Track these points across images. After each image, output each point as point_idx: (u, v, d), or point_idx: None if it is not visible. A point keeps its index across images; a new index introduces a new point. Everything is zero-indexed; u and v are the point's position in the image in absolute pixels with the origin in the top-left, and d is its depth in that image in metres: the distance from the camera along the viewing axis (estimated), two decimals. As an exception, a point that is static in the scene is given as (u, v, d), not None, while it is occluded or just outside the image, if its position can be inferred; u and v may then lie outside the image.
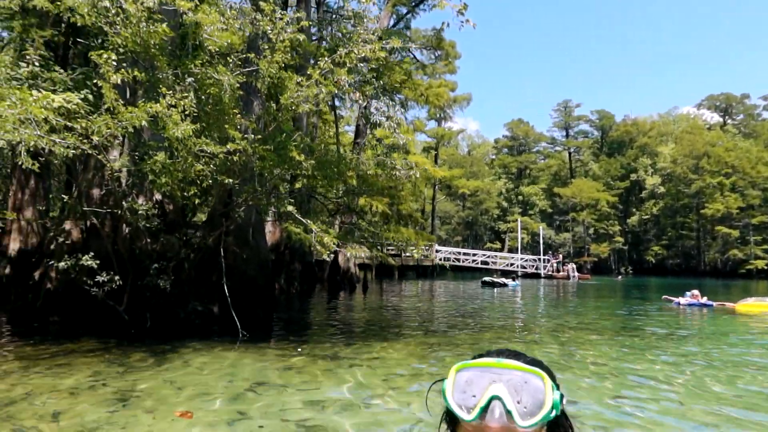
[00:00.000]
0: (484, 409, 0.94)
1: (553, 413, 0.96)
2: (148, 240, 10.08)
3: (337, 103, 29.07)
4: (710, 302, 17.90)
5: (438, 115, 46.09)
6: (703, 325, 13.10)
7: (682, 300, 18.25)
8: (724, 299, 19.52)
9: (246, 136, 8.14)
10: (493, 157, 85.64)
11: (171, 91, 7.02)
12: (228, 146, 7.46)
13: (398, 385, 6.11)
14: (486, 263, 46.26)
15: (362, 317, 14.05)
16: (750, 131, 73.21)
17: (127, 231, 9.86)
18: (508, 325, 12.37)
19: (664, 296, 20.36)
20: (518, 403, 0.95)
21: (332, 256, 25.39)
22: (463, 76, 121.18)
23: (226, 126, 8.00)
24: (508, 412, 0.93)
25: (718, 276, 58.37)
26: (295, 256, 22.75)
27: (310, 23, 12.28)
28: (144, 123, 6.81)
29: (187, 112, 7.20)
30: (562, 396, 1.00)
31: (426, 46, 30.12)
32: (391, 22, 24.27)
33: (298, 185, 17.87)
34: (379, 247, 24.10)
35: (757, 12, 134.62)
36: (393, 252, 33.23)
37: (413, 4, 25.45)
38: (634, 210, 73.45)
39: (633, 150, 74.64)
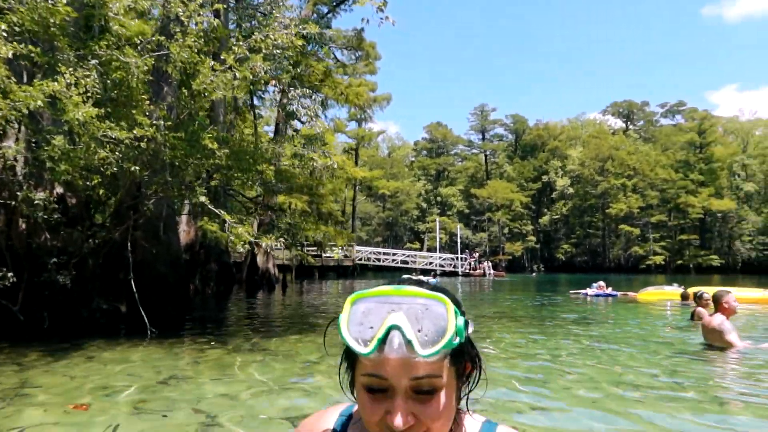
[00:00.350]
0: (383, 341, 0.87)
1: (457, 340, 0.90)
2: (48, 235, 9.40)
3: (256, 102, 28.57)
4: (615, 292, 19.15)
5: (359, 116, 46.24)
6: (607, 312, 13.90)
7: (589, 291, 19.35)
8: (626, 290, 20.94)
9: (155, 122, 7.76)
10: (413, 159, 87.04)
11: (71, 69, 6.55)
12: (135, 131, 7.07)
13: (314, 370, 6.03)
14: (406, 262, 46.88)
15: (280, 313, 13.80)
16: (649, 136, 78.71)
17: (23, 225, 9.15)
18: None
19: (571, 291, 21.45)
20: (419, 331, 0.88)
21: (250, 256, 24.86)
22: (384, 80, 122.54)
23: (134, 112, 7.59)
24: (408, 342, 0.87)
25: (621, 271, 62.29)
26: (210, 256, 21.99)
27: (227, 8, 11.93)
28: (40, 104, 6.31)
29: (89, 94, 6.75)
30: (467, 322, 0.94)
31: (347, 46, 30.11)
32: (313, 18, 24.06)
33: (214, 183, 17.34)
34: (299, 247, 23.82)
35: (656, 25, 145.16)
36: (313, 252, 32.94)
37: (334, 3, 25.39)
38: (545, 210, 76.98)
39: (544, 153, 78.23)
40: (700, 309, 10.14)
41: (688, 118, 76.76)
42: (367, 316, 0.91)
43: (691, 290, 14.39)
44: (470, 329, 0.98)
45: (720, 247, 68.37)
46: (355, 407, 1.11)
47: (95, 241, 9.36)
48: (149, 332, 8.35)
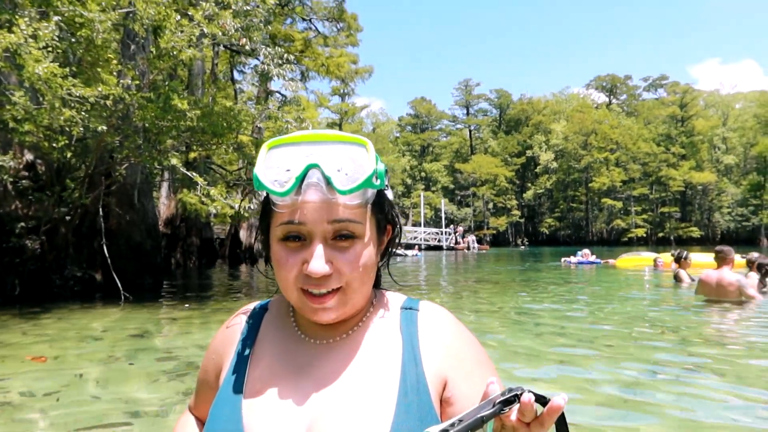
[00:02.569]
0: (300, 180, 0.81)
1: (378, 182, 0.85)
2: (18, 203, 9.21)
3: (238, 77, 28.08)
4: (598, 260, 19.59)
5: (342, 91, 45.77)
6: (590, 277, 14.04)
7: (572, 258, 19.71)
8: (608, 257, 21.30)
9: (122, 81, 7.55)
10: (397, 134, 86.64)
11: (27, 20, 6.31)
12: (100, 88, 6.86)
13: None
14: (391, 237, 46.89)
15: (263, 281, 13.73)
16: (632, 110, 78.97)
17: (-9, 193, 8.94)
18: (412, 283, 12.56)
19: (563, 259, 21.77)
20: (338, 171, 0.82)
21: (233, 231, 24.70)
22: (367, 55, 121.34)
23: (100, 70, 7.37)
24: (327, 181, 0.81)
25: (604, 244, 62.94)
26: (192, 231, 21.85)
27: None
28: (-1, 60, 6.08)
29: (49, 48, 6.52)
30: (386, 170, 0.89)
31: (328, 17, 29.64)
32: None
33: (193, 155, 17.10)
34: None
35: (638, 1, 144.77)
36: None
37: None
38: (529, 185, 77.27)
39: (529, 127, 78.22)
40: (681, 271, 10.24)
41: (670, 92, 77.06)
42: (284, 160, 0.85)
43: (664, 255, 14.68)
44: (388, 179, 0.93)
45: (700, 219, 69.31)
46: (270, 301, 1.06)
47: (68, 207, 9.19)
48: (123, 297, 8.23)
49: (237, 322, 1.03)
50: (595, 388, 3.47)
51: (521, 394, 0.65)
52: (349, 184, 0.82)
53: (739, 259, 8.18)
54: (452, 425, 0.62)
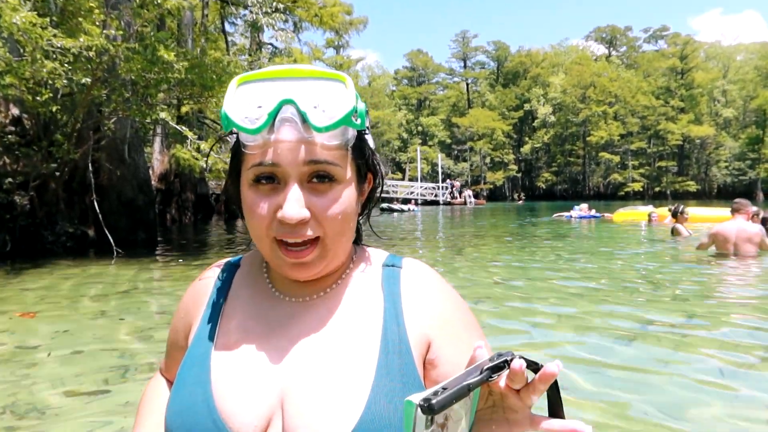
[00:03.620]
0: (274, 116, 0.73)
1: (357, 121, 0.77)
2: (6, 159, 9.03)
3: (230, 29, 27.34)
4: (597, 214, 19.66)
5: (336, 43, 44.85)
6: (590, 230, 14.06)
7: (573, 213, 19.75)
8: (605, 212, 21.37)
9: (106, 32, 7.28)
10: (394, 88, 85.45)
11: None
12: (82, 39, 6.61)
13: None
14: (387, 192, 46.84)
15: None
16: (632, 62, 77.80)
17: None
18: (409, 237, 12.54)
19: (554, 215, 21.76)
20: (315, 108, 0.74)
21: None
22: (362, 5, 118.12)
23: (81, 20, 7.09)
24: (303, 117, 0.73)
25: (600, 198, 63.16)
26: (186, 187, 21.71)
27: None
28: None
29: (27, -4, 6.26)
30: (367, 111, 0.81)
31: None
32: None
33: (185, 109, 16.80)
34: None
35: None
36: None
37: None
38: (526, 139, 76.80)
39: (527, 80, 77.18)
40: (678, 225, 10.21)
41: (670, 43, 75.72)
42: (255, 96, 0.76)
43: (659, 210, 14.66)
44: (369, 120, 0.85)
45: (697, 173, 69.27)
46: (242, 257, 0.97)
47: (56, 162, 9.02)
48: (115, 252, 8.18)
49: (208, 276, 0.95)
50: (587, 353, 3.44)
51: (511, 360, 0.60)
52: (327, 121, 0.74)
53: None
54: (435, 393, 0.55)
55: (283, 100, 0.74)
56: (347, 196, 0.79)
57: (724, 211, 16.65)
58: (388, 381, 0.76)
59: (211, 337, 0.84)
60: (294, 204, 0.74)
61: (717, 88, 70.78)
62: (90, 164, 8.96)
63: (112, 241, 8.22)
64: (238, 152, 0.80)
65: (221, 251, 9.70)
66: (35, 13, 6.26)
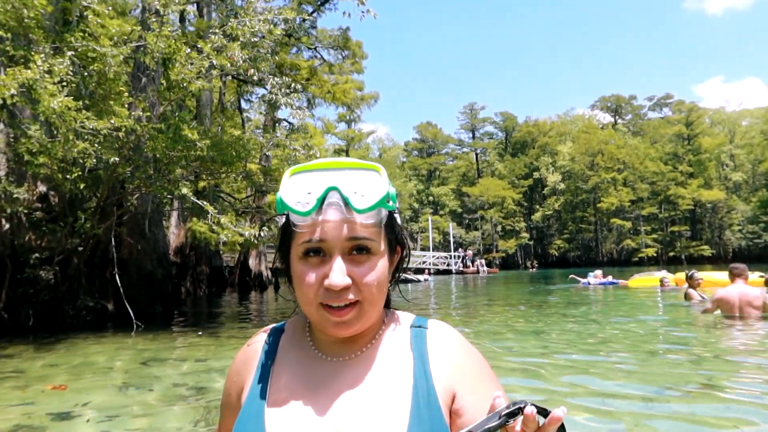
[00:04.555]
0: (322, 201, 0.90)
1: (390, 203, 0.94)
2: (32, 234, 9.33)
3: (245, 105, 28.50)
4: (615, 280, 19.71)
5: (348, 117, 46.20)
6: (605, 297, 13.97)
7: (591, 279, 19.72)
8: (619, 278, 21.25)
9: (133, 113, 7.72)
10: (404, 159, 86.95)
11: (42, 56, 6.50)
12: (113, 120, 7.02)
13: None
14: (400, 262, 46.73)
15: (273, 307, 13.75)
16: (638, 130, 78.96)
17: (6, 224, 9.06)
18: (423, 306, 12.54)
19: (570, 276, 21.75)
20: (355, 193, 0.91)
21: (242, 258, 24.76)
22: (372, 82, 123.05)
23: (111, 102, 7.54)
24: (346, 201, 0.89)
25: (614, 265, 62.38)
26: (201, 260, 21.94)
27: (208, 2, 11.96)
28: (14, 93, 6.24)
29: (64, 83, 6.70)
30: (396, 194, 0.98)
31: (333, 45, 30.14)
32: (297, 21, 24.07)
33: (202, 184, 17.28)
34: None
35: (639, 21, 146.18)
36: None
37: (319, 2, 25.38)
38: (537, 207, 77.00)
39: (535, 149, 78.28)
40: (690, 290, 10.22)
41: (675, 110, 77.09)
42: (305, 184, 0.93)
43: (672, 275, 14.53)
44: (399, 202, 1.02)
45: (711, 237, 68.69)
46: (286, 323, 1.11)
47: (80, 237, 9.30)
48: (135, 326, 8.28)
49: (256, 341, 1.08)
50: (605, 406, 3.45)
51: (524, 407, 0.72)
52: (366, 204, 0.90)
53: (753, 277, 8.17)
54: None
55: (329, 187, 0.90)
56: (381, 266, 0.94)
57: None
58: (419, 430, 0.88)
59: (263, 395, 0.96)
60: (339, 273, 0.89)
61: (724, 152, 71.30)
62: (113, 239, 9.20)
63: (132, 314, 8.34)
64: (287, 231, 0.96)
65: (237, 324, 9.76)
66: (70, 98, 6.68)
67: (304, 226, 0.91)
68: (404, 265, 1.08)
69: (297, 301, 0.97)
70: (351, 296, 0.90)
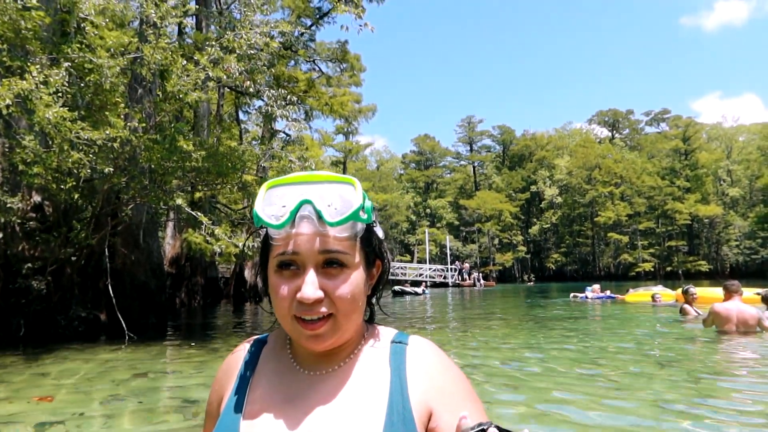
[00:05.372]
0: (294, 213, 0.90)
1: (364, 216, 0.93)
2: (25, 244, 9.28)
3: (242, 117, 28.56)
4: (612, 295, 19.70)
5: (345, 129, 46.38)
6: (603, 311, 13.95)
7: (589, 294, 19.73)
8: (616, 293, 21.26)
9: (129, 124, 7.72)
10: (402, 171, 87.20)
11: (38, 67, 6.52)
12: (107, 131, 7.02)
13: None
14: (395, 274, 46.69)
15: (267, 319, 13.67)
16: (635, 144, 79.38)
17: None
18: (419, 318, 12.48)
19: (572, 294, 21.67)
20: (329, 206, 0.91)
21: (237, 270, 24.70)
22: (370, 94, 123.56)
23: (107, 114, 7.55)
24: (318, 214, 0.90)
25: (611, 279, 62.37)
26: (197, 271, 21.87)
27: (206, 14, 11.99)
28: (9, 103, 6.24)
29: (59, 94, 6.71)
30: (374, 207, 0.98)
31: (331, 58, 30.30)
32: (296, 34, 24.21)
33: (198, 195, 17.27)
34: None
35: (636, 37, 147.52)
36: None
37: (317, 16, 25.55)
38: (534, 220, 77.17)
39: (532, 163, 78.61)
40: (686, 305, 10.25)
41: (672, 125, 77.54)
42: (280, 198, 0.94)
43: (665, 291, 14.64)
44: (375, 216, 1.01)
45: (708, 252, 68.78)
46: (269, 335, 1.12)
47: (74, 247, 9.26)
48: (127, 337, 8.22)
49: (239, 350, 1.09)
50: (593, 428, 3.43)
51: (488, 428, 0.73)
52: (338, 217, 0.90)
53: (748, 294, 8.28)
54: None
55: (302, 201, 0.91)
56: (355, 279, 0.93)
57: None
58: None
59: (239, 407, 0.96)
60: (310, 286, 0.89)
61: (721, 168, 71.65)
62: (106, 249, 9.16)
63: (124, 325, 8.28)
64: (266, 244, 0.96)
65: (230, 336, 9.70)
66: (66, 108, 6.69)
67: (279, 239, 0.92)
68: (385, 278, 1.08)
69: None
70: (324, 309, 0.91)
